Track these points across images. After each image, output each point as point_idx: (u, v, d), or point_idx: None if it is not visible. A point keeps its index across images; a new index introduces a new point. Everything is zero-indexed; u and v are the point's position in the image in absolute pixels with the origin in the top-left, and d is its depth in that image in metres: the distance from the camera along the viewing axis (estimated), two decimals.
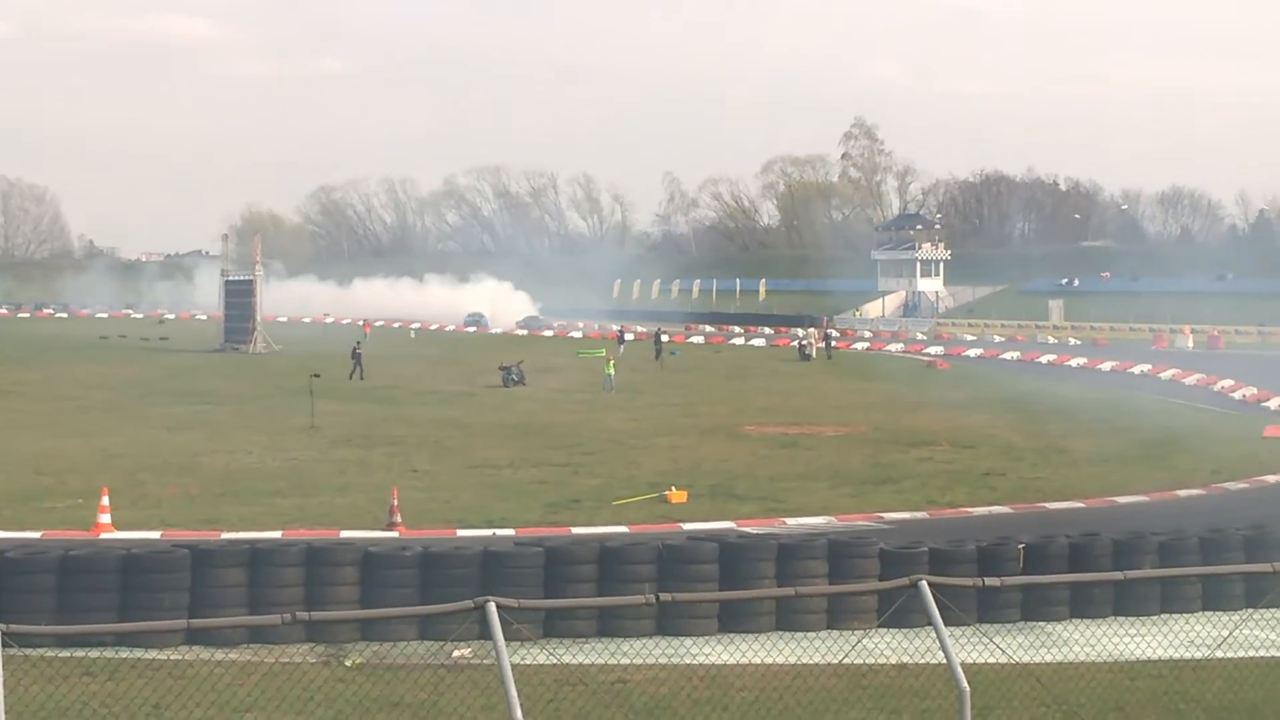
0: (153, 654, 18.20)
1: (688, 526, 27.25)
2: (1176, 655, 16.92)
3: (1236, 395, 58.84)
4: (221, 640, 18.49)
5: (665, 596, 11.95)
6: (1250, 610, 14.59)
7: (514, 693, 9.87)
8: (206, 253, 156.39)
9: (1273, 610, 14.71)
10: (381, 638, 18.88)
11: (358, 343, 70.14)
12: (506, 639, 10.56)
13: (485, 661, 16.58)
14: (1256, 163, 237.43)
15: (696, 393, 61.24)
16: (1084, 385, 66.83)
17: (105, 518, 27.86)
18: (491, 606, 10.54)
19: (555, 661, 16.57)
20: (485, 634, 10.74)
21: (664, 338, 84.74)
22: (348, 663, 18.21)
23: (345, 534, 25.86)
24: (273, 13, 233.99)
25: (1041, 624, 20.27)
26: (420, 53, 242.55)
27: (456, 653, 17.49)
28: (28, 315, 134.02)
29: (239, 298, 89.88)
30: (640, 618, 19.27)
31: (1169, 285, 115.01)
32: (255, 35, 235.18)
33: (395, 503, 28.16)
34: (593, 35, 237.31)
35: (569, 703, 15.53)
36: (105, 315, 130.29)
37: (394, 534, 26.38)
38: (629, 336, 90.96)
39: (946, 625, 11.03)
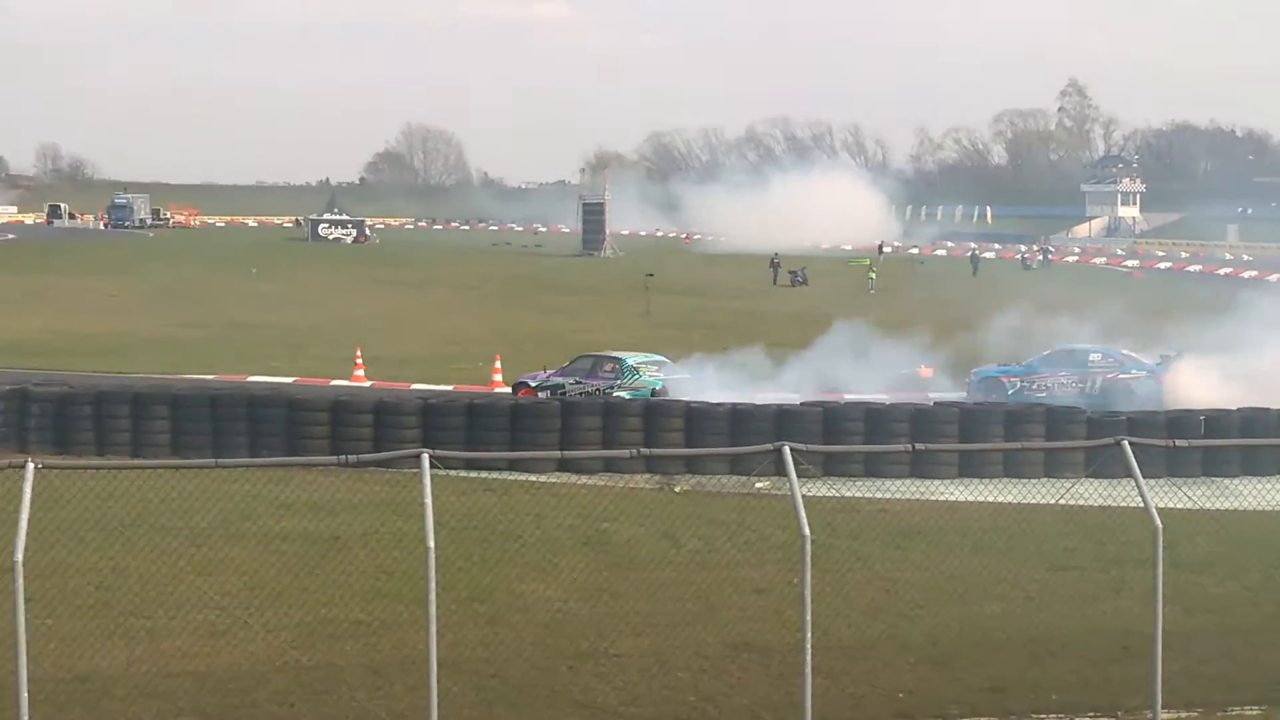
0: (533, 477, 18.75)
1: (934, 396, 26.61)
2: None
3: None
4: (584, 468, 18.94)
5: (920, 446, 11.76)
6: None
7: (803, 511, 9.36)
8: (568, 182, 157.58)
9: None
10: (701, 471, 19.09)
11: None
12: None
13: (778, 492, 16.61)
14: None
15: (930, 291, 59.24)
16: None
17: (498, 377, 28.77)
18: (786, 450, 9.57)
19: (833, 494, 16.51)
20: (780, 471, 10.40)
21: (980, 255, 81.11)
22: (677, 489, 18.48)
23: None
24: None
25: (1219, 479, 19.39)
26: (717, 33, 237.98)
27: (759, 484, 17.56)
28: (440, 228, 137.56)
29: (593, 216, 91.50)
30: (898, 463, 19.13)
31: None
32: (599, 14, 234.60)
33: None
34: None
35: (843, 524, 15.49)
36: (495, 228, 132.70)
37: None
38: (887, 250, 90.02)
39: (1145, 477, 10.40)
